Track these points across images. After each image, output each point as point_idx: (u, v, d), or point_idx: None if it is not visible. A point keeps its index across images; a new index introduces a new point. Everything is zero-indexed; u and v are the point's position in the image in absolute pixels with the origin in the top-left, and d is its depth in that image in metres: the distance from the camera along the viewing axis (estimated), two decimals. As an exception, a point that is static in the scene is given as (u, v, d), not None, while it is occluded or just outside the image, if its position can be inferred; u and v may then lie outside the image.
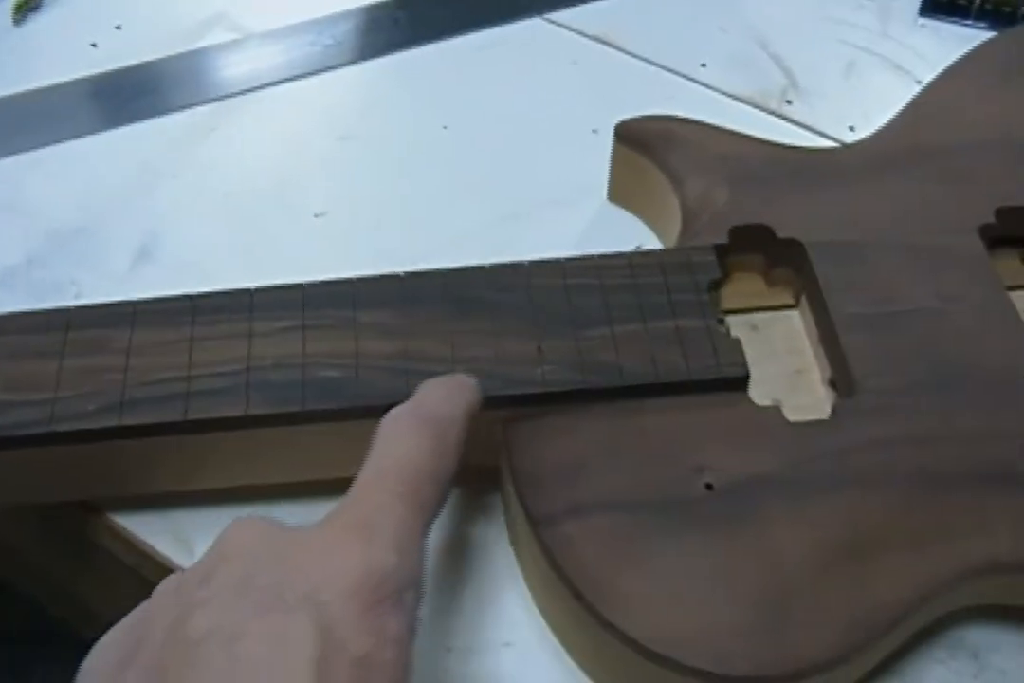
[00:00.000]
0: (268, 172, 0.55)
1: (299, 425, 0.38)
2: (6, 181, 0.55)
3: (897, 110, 0.50)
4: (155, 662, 0.28)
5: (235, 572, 0.29)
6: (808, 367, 0.44)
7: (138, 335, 0.40)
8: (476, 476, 0.39)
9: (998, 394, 0.39)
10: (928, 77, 0.51)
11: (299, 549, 0.30)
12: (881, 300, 0.42)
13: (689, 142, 0.48)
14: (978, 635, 0.39)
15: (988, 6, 0.61)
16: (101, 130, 0.58)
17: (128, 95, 0.59)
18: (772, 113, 0.57)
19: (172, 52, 0.62)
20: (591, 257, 0.42)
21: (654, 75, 0.59)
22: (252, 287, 0.41)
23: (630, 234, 0.51)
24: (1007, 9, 0.60)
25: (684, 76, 0.59)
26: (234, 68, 0.61)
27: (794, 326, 0.45)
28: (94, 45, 0.62)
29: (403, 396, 0.38)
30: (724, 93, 0.58)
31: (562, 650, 0.39)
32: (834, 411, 0.39)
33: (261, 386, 0.38)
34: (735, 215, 0.44)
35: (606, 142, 0.50)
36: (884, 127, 0.49)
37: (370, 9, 0.64)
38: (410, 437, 0.33)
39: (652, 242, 0.50)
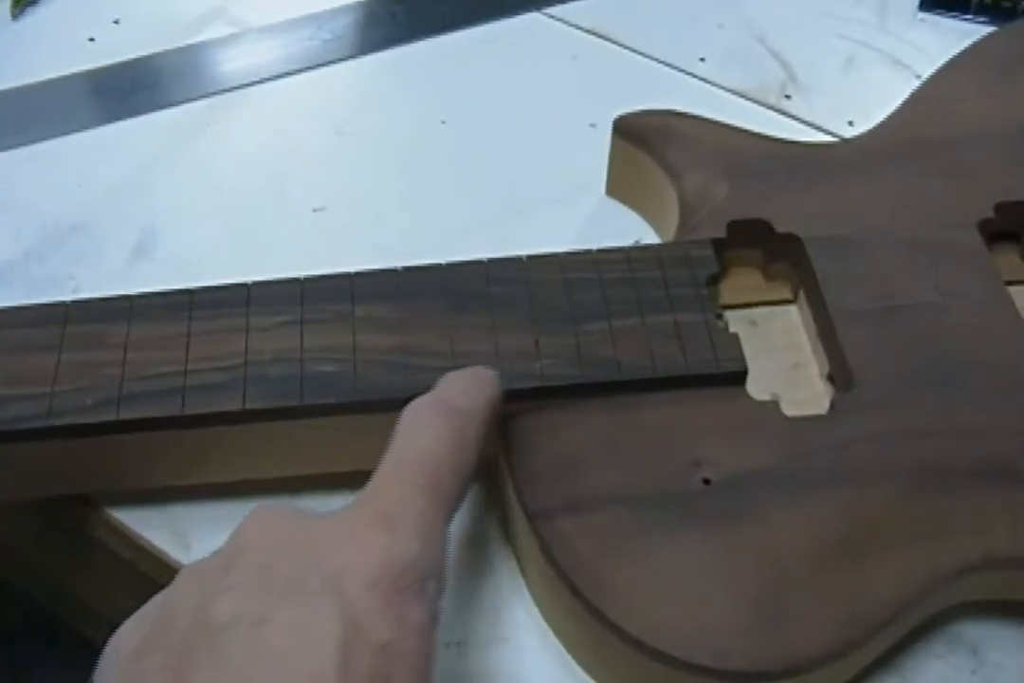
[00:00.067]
0: (266, 167, 0.55)
1: (297, 420, 0.38)
2: (4, 176, 0.55)
3: (896, 105, 0.49)
4: (179, 646, 0.28)
5: (258, 559, 0.29)
6: (806, 362, 0.44)
7: (136, 329, 0.40)
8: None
9: (997, 389, 0.39)
10: (927, 72, 0.51)
11: (321, 538, 0.30)
12: (879, 295, 0.42)
13: (687, 137, 0.48)
14: (977, 630, 0.39)
15: (988, 1, 0.60)
16: (99, 125, 0.57)
17: (126, 90, 0.59)
18: (771, 108, 0.57)
19: (170, 47, 0.61)
20: (589, 252, 0.42)
21: (652, 69, 0.59)
22: (249, 281, 0.41)
23: (628, 228, 0.51)
24: (1007, 3, 0.60)
25: (682, 71, 0.59)
26: (232, 63, 0.61)
27: (792, 321, 0.45)
28: (92, 39, 0.62)
29: (401, 391, 0.38)
30: (723, 88, 0.58)
31: (560, 645, 0.39)
32: (832, 406, 0.39)
33: (259, 381, 0.38)
34: (733, 210, 0.44)
35: (604, 137, 0.50)
36: (883, 122, 0.49)
37: (368, 4, 0.64)
38: (430, 429, 0.33)
39: (650, 237, 0.50)
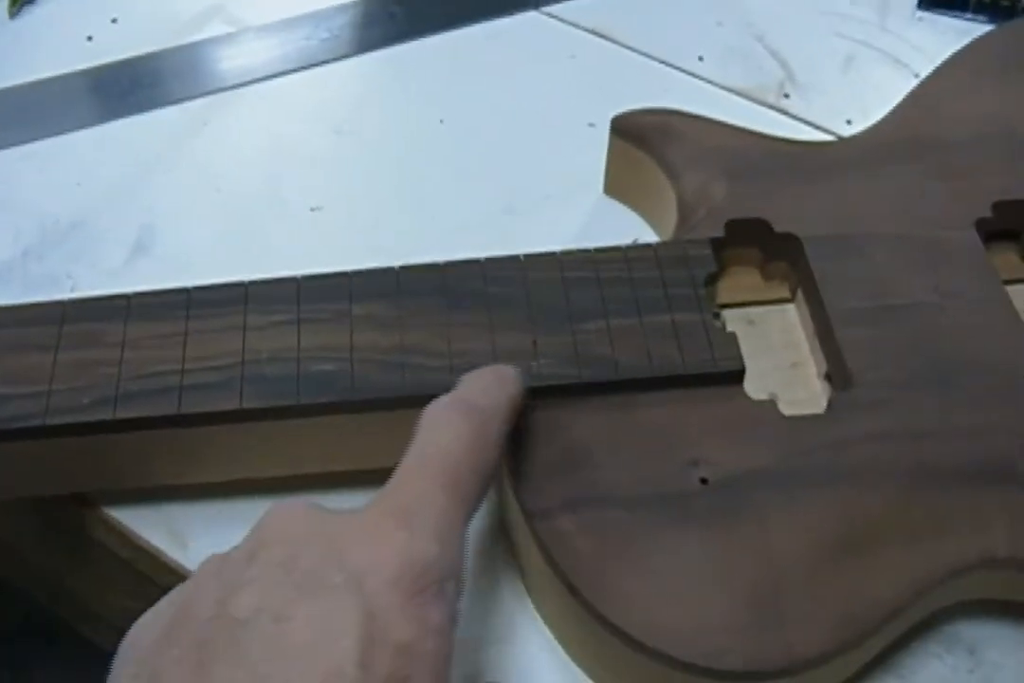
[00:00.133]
0: (264, 166, 0.55)
1: (294, 419, 0.38)
2: (2, 175, 0.55)
3: (895, 104, 0.49)
4: (200, 638, 0.28)
5: (279, 554, 0.29)
6: (804, 361, 0.44)
7: (133, 328, 0.40)
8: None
9: (995, 389, 0.39)
10: (926, 70, 0.51)
11: (342, 533, 0.30)
12: (877, 294, 0.42)
13: (686, 136, 0.48)
14: (974, 630, 0.39)
15: (986, -1, 0.61)
16: (96, 123, 0.57)
17: (123, 88, 0.59)
18: (769, 106, 0.57)
19: (168, 45, 0.61)
20: (587, 251, 0.42)
21: (651, 68, 0.59)
22: (247, 280, 0.41)
23: (626, 228, 0.51)
24: (1005, 2, 0.60)
25: (681, 69, 0.59)
26: (230, 61, 0.61)
27: (790, 320, 0.45)
28: (90, 38, 0.62)
29: (398, 390, 0.38)
30: (721, 86, 0.58)
31: (557, 644, 0.39)
32: (830, 405, 0.39)
33: (256, 380, 0.38)
34: (731, 209, 0.44)
35: (603, 135, 0.50)
36: (881, 121, 0.49)
37: (366, 3, 0.64)
38: (451, 428, 0.33)
39: (648, 236, 0.50)
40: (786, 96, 0.58)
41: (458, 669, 0.38)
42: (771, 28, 0.61)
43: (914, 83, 0.50)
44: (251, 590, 0.28)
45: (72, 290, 0.49)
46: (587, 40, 0.61)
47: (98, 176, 0.55)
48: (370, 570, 0.29)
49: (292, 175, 0.54)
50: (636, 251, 0.42)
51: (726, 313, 0.44)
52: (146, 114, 0.58)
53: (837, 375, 0.41)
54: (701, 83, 0.58)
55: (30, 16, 0.64)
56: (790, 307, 0.45)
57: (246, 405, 0.38)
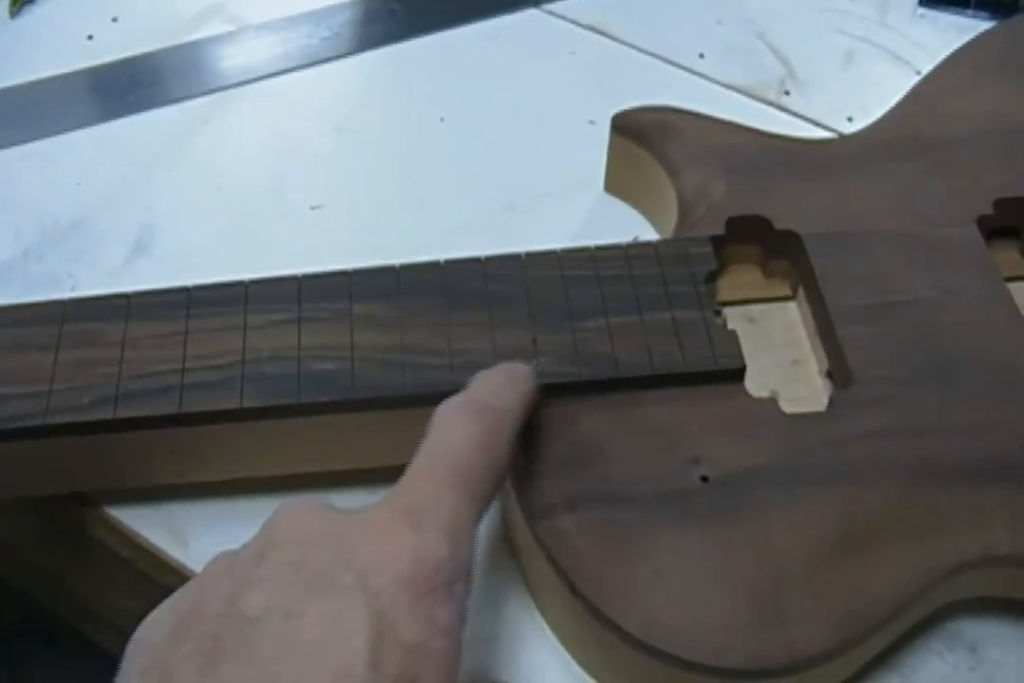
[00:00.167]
0: (264, 164, 0.55)
1: (294, 418, 0.38)
2: (2, 174, 0.55)
3: (896, 100, 0.49)
4: (210, 634, 0.28)
5: (289, 553, 0.29)
6: (805, 358, 0.44)
7: (133, 328, 0.40)
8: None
9: (996, 386, 0.39)
10: (927, 67, 0.51)
11: (352, 532, 0.30)
12: (878, 291, 0.42)
13: (686, 133, 0.48)
14: (975, 627, 0.39)
15: (988, -4, 0.60)
16: (97, 122, 0.57)
17: (124, 87, 0.59)
18: (770, 104, 0.57)
19: (168, 44, 0.61)
20: (587, 248, 0.42)
21: (651, 66, 0.59)
22: (247, 279, 0.41)
23: (627, 225, 0.51)
24: (1007, -1, 0.60)
25: (682, 67, 0.59)
26: (230, 60, 0.61)
27: (791, 317, 0.45)
28: (90, 37, 0.62)
29: (399, 389, 0.38)
30: (722, 84, 0.58)
31: (558, 644, 0.39)
32: (831, 403, 0.39)
33: (256, 379, 0.38)
34: (732, 206, 0.44)
35: (603, 133, 0.50)
36: (882, 118, 0.49)
37: (367, 1, 0.64)
38: (461, 428, 0.33)
39: (649, 233, 0.50)
40: (787, 93, 0.58)
41: (465, 668, 0.38)
42: (772, 25, 0.61)
43: (915, 80, 0.50)
44: (261, 589, 0.28)
45: (72, 290, 0.49)
46: (587, 37, 0.61)
47: (98, 176, 0.55)
48: (380, 570, 0.29)
49: (293, 173, 0.54)
50: (636, 249, 0.42)
51: (727, 311, 0.44)
52: (146, 113, 0.58)
53: (838, 372, 0.41)
54: (701, 80, 0.58)
55: (30, 15, 0.63)
56: (791, 305, 0.45)
57: (247, 404, 0.38)
